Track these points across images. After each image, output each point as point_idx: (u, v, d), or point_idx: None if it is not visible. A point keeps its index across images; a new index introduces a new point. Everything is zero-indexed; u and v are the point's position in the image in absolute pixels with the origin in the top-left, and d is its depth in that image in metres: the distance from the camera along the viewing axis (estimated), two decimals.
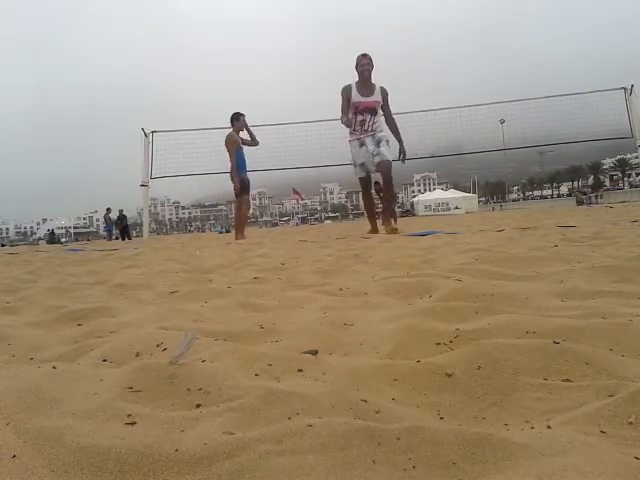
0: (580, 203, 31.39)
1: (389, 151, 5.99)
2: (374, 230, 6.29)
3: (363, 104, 5.95)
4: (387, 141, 6.00)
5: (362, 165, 6.08)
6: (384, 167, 5.89)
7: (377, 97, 6.01)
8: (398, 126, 6.22)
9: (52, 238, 31.14)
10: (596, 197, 40.04)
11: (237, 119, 7.09)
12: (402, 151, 6.18)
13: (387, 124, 6.12)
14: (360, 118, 5.98)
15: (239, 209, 7.27)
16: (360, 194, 6.67)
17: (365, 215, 6.98)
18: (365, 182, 6.30)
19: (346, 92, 5.98)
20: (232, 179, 7.03)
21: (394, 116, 6.25)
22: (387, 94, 6.09)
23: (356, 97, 5.93)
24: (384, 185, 6.24)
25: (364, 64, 6.01)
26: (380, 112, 6.06)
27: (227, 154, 7.04)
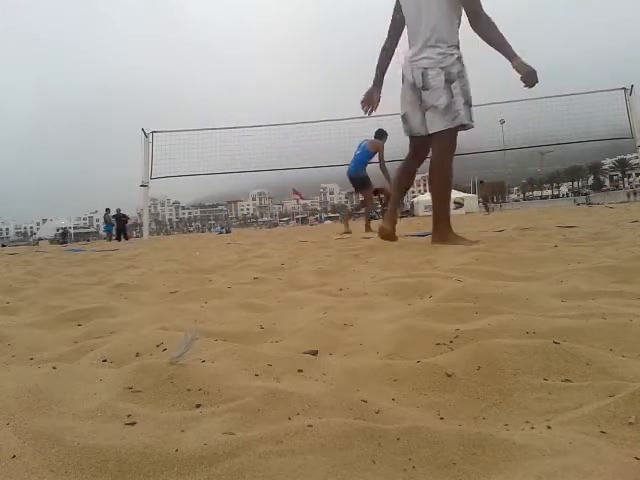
0: (487, 209, 24.98)
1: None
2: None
3: None
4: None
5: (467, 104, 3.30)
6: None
7: None
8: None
9: (64, 239, 30.48)
10: (634, 194, 36.80)
11: (386, 136, 7.92)
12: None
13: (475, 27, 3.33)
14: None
15: (367, 203, 8.17)
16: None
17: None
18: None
19: None
20: (383, 173, 7.70)
21: None
22: None
23: None
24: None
25: None
26: None
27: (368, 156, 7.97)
